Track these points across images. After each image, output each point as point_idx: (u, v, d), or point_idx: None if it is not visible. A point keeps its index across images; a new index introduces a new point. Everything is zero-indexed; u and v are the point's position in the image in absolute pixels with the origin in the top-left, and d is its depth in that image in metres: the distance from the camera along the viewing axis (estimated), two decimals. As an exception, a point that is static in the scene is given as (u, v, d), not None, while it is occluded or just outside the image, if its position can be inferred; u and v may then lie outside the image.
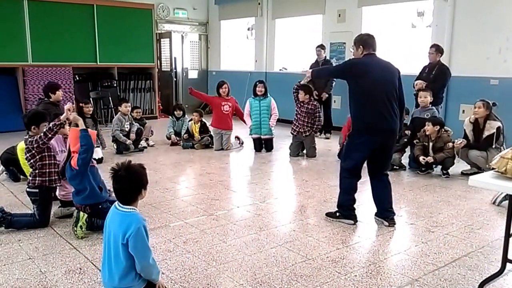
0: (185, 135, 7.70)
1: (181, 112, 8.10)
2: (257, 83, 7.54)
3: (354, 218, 4.12)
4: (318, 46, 8.97)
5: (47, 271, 3.13)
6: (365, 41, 4.04)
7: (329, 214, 4.24)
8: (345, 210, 4.13)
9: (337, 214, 4.17)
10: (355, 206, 4.16)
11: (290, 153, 7.14)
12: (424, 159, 5.79)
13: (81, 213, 3.72)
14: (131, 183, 2.49)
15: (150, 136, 7.90)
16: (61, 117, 3.85)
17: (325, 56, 8.99)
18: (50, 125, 3.81)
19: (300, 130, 7.08)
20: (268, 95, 7.54)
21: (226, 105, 7.53)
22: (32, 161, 3.90)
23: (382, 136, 3.92)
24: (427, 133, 5.83)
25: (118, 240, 2.43)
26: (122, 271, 2.46)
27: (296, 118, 7.16)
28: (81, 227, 3.67)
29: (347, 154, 4.13)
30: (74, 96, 9.58)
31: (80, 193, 3.79)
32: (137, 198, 2.54)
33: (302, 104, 7.09)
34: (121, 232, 2.42)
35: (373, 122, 3.88)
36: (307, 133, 7.07)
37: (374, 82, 3.85)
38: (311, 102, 7.10)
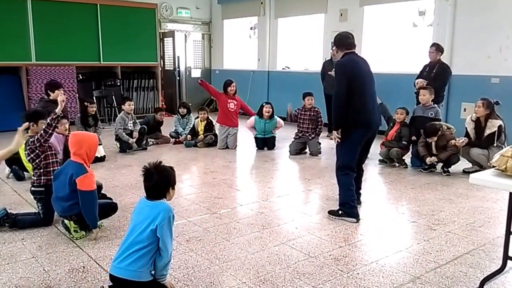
0: (188, 136, 7.70)
1: (186, 110, 8.12)
2: (264, 103, 7.52)
3: (356, 216, 4.13)
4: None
5: (51, 270, 3.15)
6: (339, 41, 4.20)
7: (331, 212, 4.26)
8: (348, 208, 4.15)
9: (340, 212, 4.19)
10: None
11: (290, 151, 7.15)
12: (430, 160, 5.83)
13: (66, 221, 3.70)
14: (160, 181, 2.65)
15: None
16: (57, 110, 3.84)
17: None
18: (48, 120, 3.81)
19: (305, 135, 7.15)
20: (275, 116, 7.50)
21: (232, 103, 7.57)
22: (37, 160, 3.91)
23: (372, 129, 4.16)
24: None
25: (147, 224, 2.53)
26: (138, 253, 2.53)
27: (299, 125, 7.22)
28: (75, 231, 3.69)
29: (343, 151, 4.17)
30: (77, 95, 9.64)
31: (65, 200, 3.62)
32: (166, 196, 2.69)
33: (304, 111, 7.12)
34: (152, 217, 2.54)
35: (364, 116, 4.07)
36: (312, 136, 7.12)
37: (363, 79, 4.09)
38: (313, 108, 7.13)
